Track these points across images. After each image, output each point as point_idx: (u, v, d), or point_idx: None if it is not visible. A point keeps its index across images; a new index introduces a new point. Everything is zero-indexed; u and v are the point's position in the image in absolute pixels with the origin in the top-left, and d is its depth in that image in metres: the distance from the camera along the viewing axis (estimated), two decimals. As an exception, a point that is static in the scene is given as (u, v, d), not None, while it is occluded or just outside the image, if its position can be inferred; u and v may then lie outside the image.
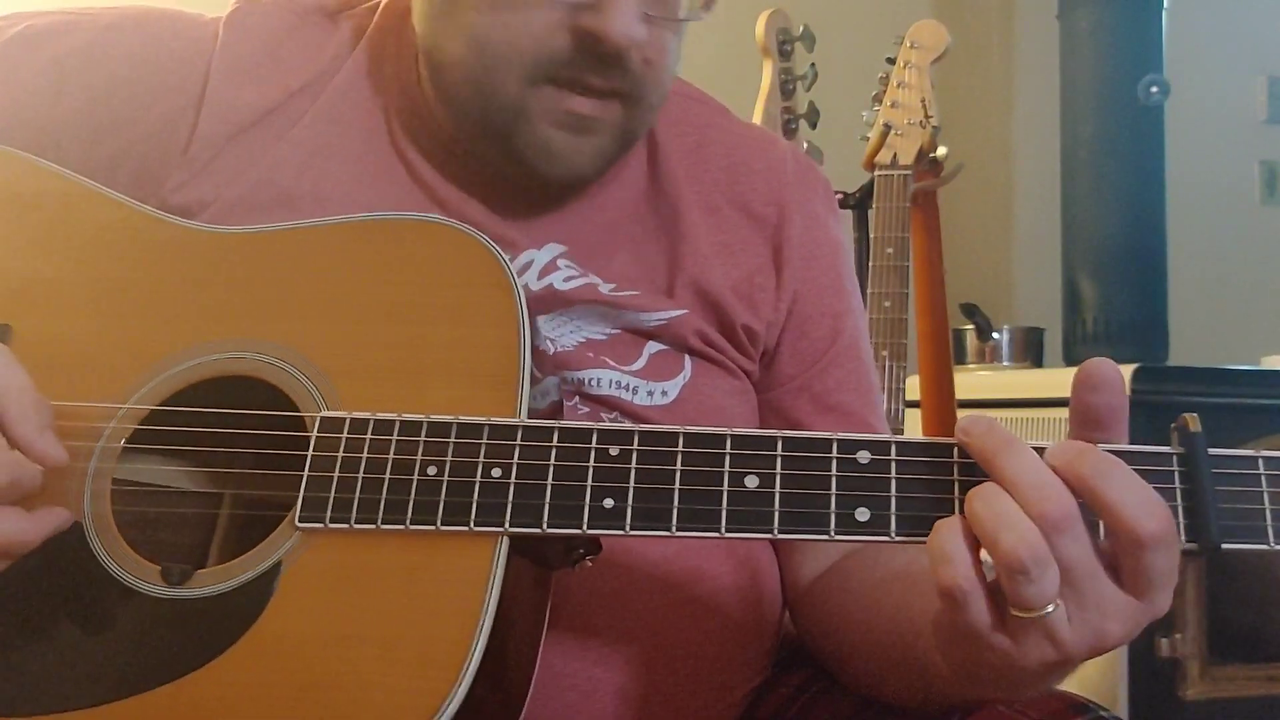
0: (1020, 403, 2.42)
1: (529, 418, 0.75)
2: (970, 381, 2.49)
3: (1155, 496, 0.64)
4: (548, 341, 0.90)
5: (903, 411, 2.01)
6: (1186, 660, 2.20)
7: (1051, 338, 2.92)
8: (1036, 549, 0.62)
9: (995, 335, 2.77)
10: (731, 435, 0.71)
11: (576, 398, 0.89)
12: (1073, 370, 0.69)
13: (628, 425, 0.73)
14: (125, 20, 0.95)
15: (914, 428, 2.26)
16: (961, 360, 2.80)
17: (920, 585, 0.77)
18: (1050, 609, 0.63)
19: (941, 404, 2.16)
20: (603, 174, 0.93)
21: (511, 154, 0.89)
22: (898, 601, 0.81)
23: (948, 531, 0.64)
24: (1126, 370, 2.28)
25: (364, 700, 0.69)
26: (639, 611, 0.88)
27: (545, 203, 0.94)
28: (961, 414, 2.20)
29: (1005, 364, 2.83)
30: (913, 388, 2.17)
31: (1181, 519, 0.67)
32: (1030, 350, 2.86)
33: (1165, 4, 2.87)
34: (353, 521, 0.72)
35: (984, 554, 0.64)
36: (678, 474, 0.71)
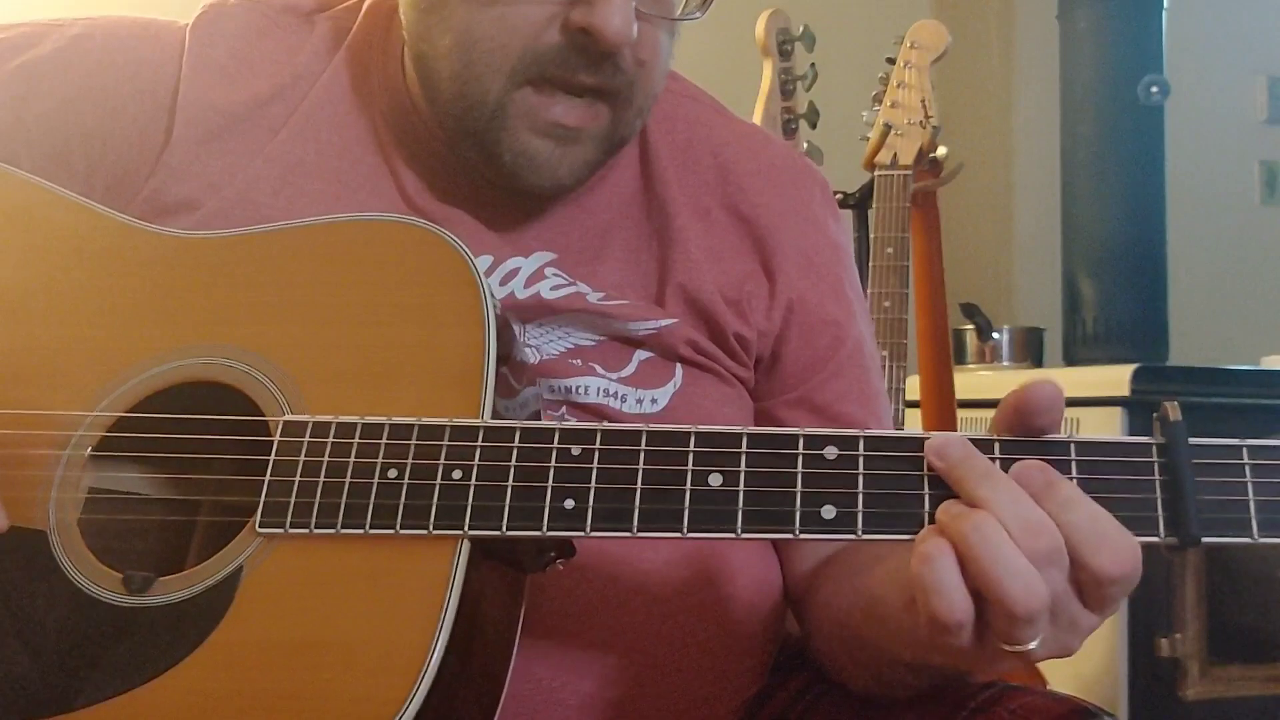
0: (1020, 403, 2.41)
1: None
2: (970, 381, 2.49)
3: (1122, 532, 0.62)
4: (530, 350, 0.88)
5: (903, 412, 2.01)
6: (1186, 660, 2.20)
7: (1051, 338, 2.92)
8: (1044, 598, 0.60)
9: (995, 335, 2.77)
10: (696, 433, 0.69)
11: (564, 407, 0.87)
12: (1073, 370, 0.68)
13: (591, 424, 0.72)
14: (95, 29, 0.94)
15: (914, 428, 2.26)
16: (961, 360, 2.79)
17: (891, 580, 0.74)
18: (1034, 644, 0.62)
19: (941, 404, 2.16)
20: (585, 182, 0.91)
21: (492, 159, 0.87)
22: (868, 590, 0.77)
23: (939, 561, 0.62)
24: (1126, 370, 2.28)
25: (324, 708, 0.67)
26: (626, 621, 0.85)
27: (533, 209, 0.92)
28: (961, 414, 2.20)
29: (1005, 364, 2.83)
30: (913, 388, 2.17)
31: (1160, 511, 0.64)
32: (1030, 350, 2.85)
33: (1165, 4, 2.87)
34: (312, 526, 0.71)
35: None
36: (640, 473, 0.69)
